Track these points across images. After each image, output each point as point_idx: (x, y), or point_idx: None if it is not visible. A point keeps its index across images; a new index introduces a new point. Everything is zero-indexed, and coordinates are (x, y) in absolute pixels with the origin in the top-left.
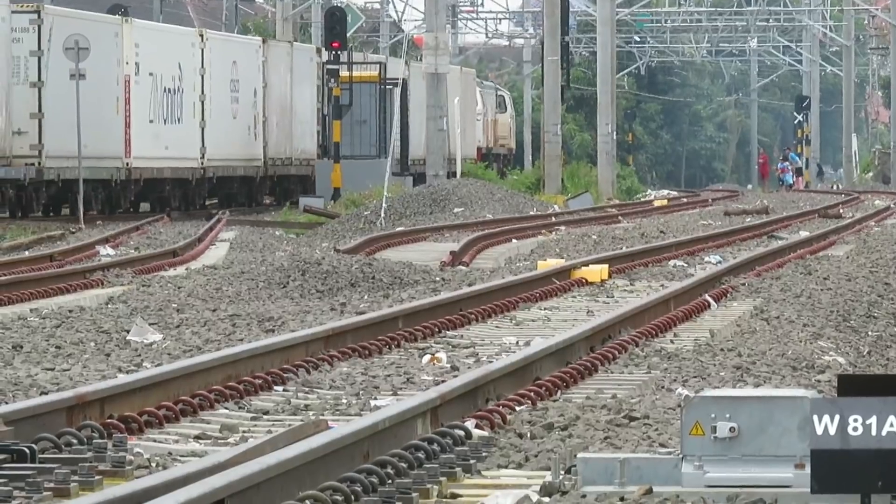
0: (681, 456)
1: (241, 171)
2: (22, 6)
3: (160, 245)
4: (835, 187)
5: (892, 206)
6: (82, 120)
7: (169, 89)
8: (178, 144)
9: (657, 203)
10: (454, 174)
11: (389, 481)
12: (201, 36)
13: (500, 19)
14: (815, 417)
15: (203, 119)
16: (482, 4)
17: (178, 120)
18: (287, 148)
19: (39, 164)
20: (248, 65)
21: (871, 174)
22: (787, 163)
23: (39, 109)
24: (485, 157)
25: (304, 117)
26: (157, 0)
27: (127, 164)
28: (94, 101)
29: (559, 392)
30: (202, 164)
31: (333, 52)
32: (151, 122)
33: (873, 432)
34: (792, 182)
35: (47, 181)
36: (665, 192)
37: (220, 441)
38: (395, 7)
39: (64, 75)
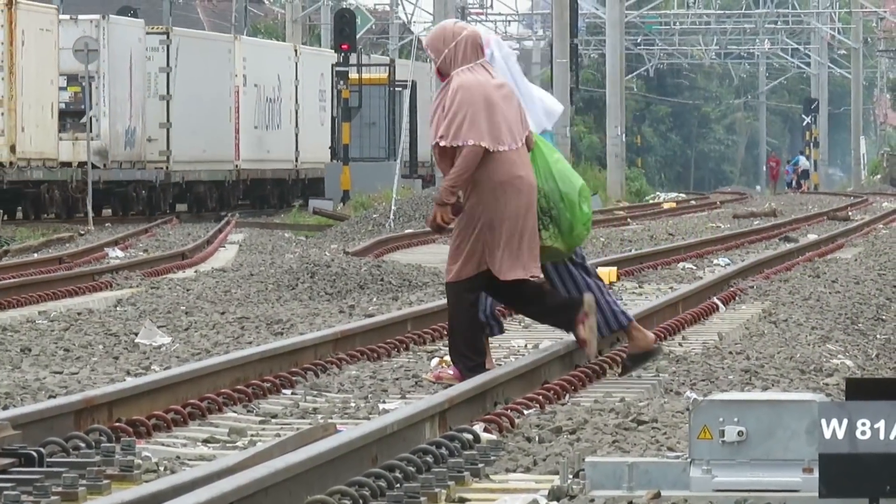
0: (689, 460)
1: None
2: (153, 28)
3: (169, 247)
4: (806, 188)
5: None
6: (204, 128)
7: (270, 99)
8: (278, 148)
9: (666, 205)
10: None
11: (398, 485)
12: (295, 50)
13: (510, 21)
14: (824, 421)
15: (297, 125)
16: (491, 6)
17: (278, 126)
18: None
19: (167, 167)
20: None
21: (879, 176)
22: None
23: (168, 119)
24: None
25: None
26: (167, 2)
27: (236, 166)
28: (210, 110)
29: (567, 396)
30: (296, 165)
31: (342, 55)
32: (256, 128)
33: (881, 436)
34: (796, 183)
35: (173, 183)
36: (674, 194)
37: (228, 445)
38: (404, 9)
39: (188, 89)
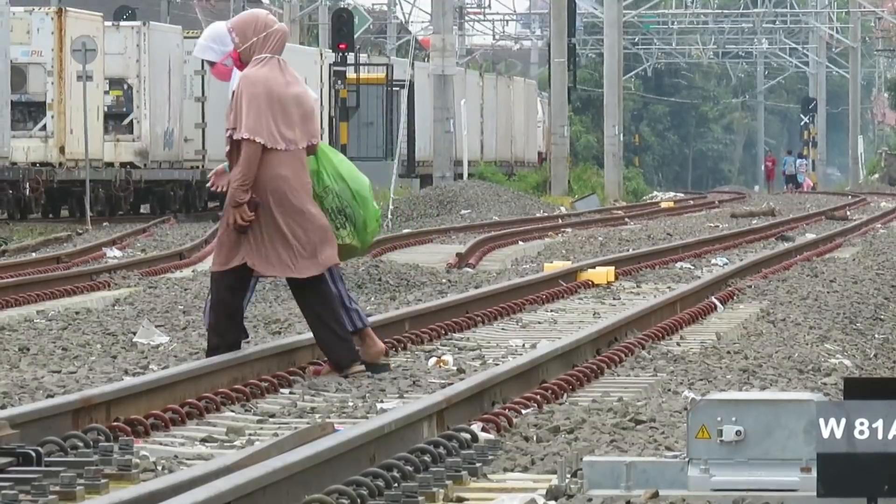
0: (687, 459)
1: None
2: (189, 33)
3: (167, 247)
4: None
5: None
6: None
7: None
8: None
9: (664, 205)
10: (461, 176)
11: (395, 485)
12: (321, 54)
13: (507, 21)
14: (822, 421)
15: (322, 126)
16: (489, 6)
17: None
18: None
19: (202, 167)
20: None
21: (877, 176)
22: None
23: (203, 120)
24: (544, 160)
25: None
26: (165, 2)
27: None
28: None
29: (565, 395)
30: None
31: (340, 54)
32: None
33: (880, 436)
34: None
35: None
36: (672, 193)
37: (226, 444)
38: (402, 9)
39: (221, 90)
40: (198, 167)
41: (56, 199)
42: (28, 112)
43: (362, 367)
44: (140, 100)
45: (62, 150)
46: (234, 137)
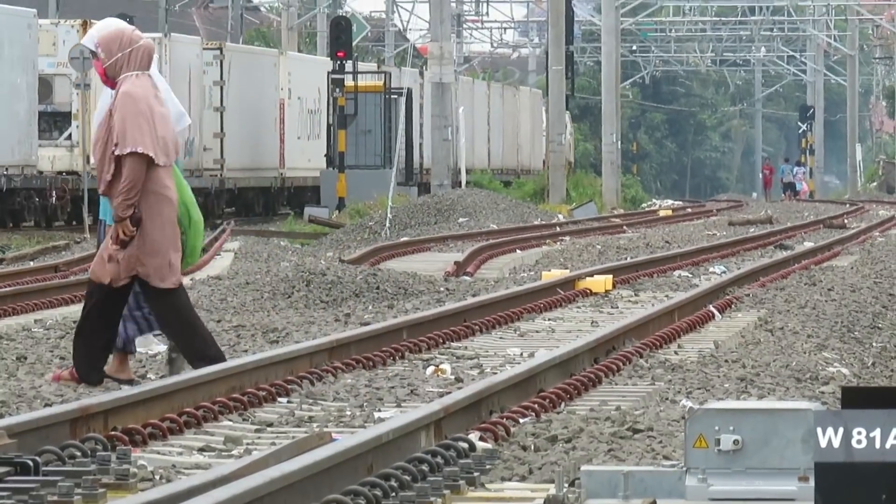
0: (684, 469)
1: None
2: (208, 44)
3: None
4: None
5: None
6: (253, 138)
7: (311, 110)
8: (317, 157)
9: (662, 213)
10: (460, 184)
11: (393, 494)
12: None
13: (505, 29)
14: (819, 430)
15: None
16: (487, 14)
17: (317, 136)
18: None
19: (221, 175)
20: None
21: (875, 184)
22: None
23: (221, 130)
24: None
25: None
26: (163, 10)
27: (281, 174)
28: (259, 121)
29: (563, 404)
30: None
31: (338, 62)
32: (299, 138)
33: (877, 445)
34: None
35: (227, 189)
36: (670, 201)
37: (224, 453)
38: (399, 16)
39: (239, 101)
40: (217, 175)
41: (81, 207)
42: (54, 122)
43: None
44: None
45: (87, 159)
46: (118, 153)
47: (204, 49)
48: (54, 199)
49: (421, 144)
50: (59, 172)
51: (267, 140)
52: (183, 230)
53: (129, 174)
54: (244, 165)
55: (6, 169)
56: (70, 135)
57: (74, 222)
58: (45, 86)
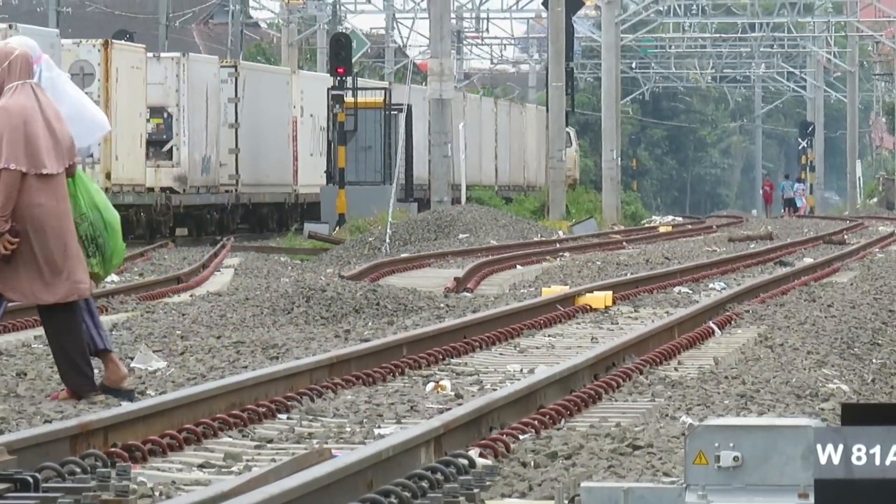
0: (684, 485)
1: None
2: (224, 62)
3: (164, 271)
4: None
5: None
6: (267, 154)
7: (323, 128)
8: None
9: (662, 229)
10: (459, 200)
11: None
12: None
13: (505, 45)
14: (819, 446)
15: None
16: (487, 30)
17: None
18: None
19: (236, 191)
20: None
21: (875, 200)
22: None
23: (236, 146)
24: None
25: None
26: (163, 26)
27: (294, 190)
28: (272, 138)
29: (563, 420)
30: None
31: (338, 78)
32: (311, 155)
33: (877, 462)
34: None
35: (241, 204)
36: (670, 217)
37: (223, 470)
38: (399, 33)
39: (253, 118)
40: (232, 191)
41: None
42: None
43: (101, 397)
44: (179, 127)
45: (108, 175)
46: None
47: (221, 67)
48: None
49: (430, 161)
50: None
51: (280, 156)
52: (98, 234)
53: (2, 189)
54: (258, 181)
55: None
56: (92, 152)
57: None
58: None
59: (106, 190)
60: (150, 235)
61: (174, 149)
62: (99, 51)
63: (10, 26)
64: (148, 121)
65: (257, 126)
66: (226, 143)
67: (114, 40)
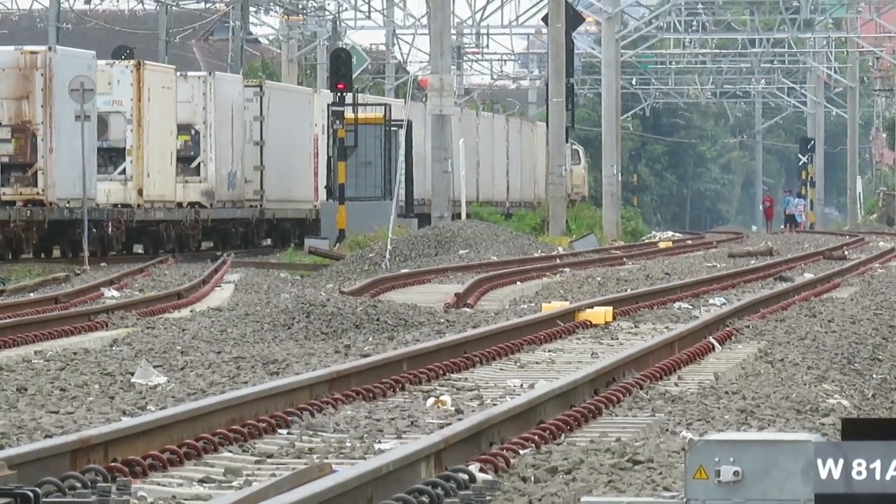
0: (685, 500)
1: None
2: (249, 82)
3: (165, 287)
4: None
5: None
6: (290, 170)
7: None
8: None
9: (662, 245)
10: (459, 216)
11: None
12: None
13: (506, 61)
14: (819, 461)
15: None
16: (487, 46)
17: None
18: (421, 191)
19: (261, 206)
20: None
21: (875, 215)
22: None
23: (261, 162)
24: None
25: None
26: (163, 42)
27: (315, 206)
28: (295, 155)
29: (563, 435)
30: None
31: (339, 94)
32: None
33: (877, 476)
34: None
35: (266, 219)
36: (670, 233)
37: (224, 485)
38: (400, 49)
39: (277, 136)
40: (256, 206)
41: (133, 238)
42: (109, 157)
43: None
44: (206, 144)
45: (140, 192)
46: None
47: (246, 87)
48: (110, 229)
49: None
50: (115, 205)
51: (303, 173)
52: None
53: None
54: (282, 197)
55: (68, 202)
56: (124, 169)
57: (125, 251)
58: (101, 123)
59: (138, 206)
60: (180, 249)
61: (201, 164)
62: (131, 71)
63: (50, 48)
64: (176, 138)
65: (281, 143)
66: (251, 160)
67: (146, 61)
